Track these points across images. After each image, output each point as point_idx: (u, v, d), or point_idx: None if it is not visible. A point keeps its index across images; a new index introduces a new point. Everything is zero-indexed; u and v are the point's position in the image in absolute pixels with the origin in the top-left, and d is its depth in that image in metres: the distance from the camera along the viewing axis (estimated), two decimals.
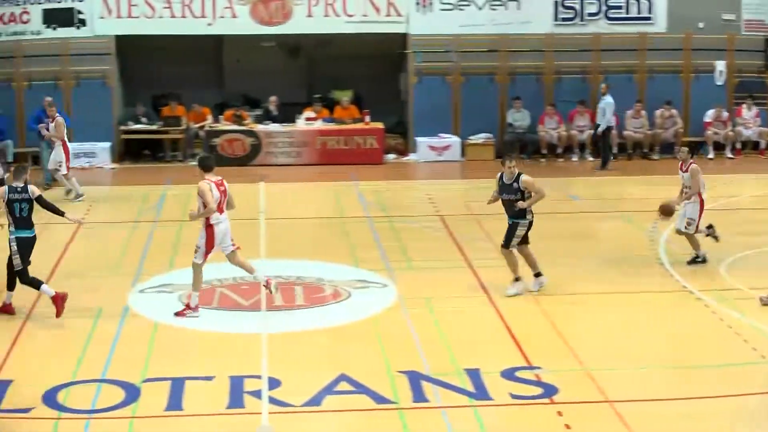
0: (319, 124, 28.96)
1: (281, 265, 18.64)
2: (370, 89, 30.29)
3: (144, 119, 29.35)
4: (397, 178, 26.99)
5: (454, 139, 29.15)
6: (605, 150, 27.95)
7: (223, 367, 14.17)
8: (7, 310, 16.41)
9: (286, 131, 28.67)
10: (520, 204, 16.82)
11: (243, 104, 30.31)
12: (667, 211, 18.67)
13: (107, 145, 28.61)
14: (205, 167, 16.58)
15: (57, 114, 24.71)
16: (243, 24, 28.96)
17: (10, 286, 16.45)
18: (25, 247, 16.17)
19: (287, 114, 29.32)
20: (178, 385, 13.57)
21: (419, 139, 29.22)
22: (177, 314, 16.34)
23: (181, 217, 22.57)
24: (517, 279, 17.17)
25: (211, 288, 17.67)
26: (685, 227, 18.60)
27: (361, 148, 28.55)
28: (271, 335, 15.38)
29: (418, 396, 13.29)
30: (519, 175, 16.94)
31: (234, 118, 28.96)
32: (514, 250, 17.08)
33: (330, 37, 29.65)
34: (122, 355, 14.73)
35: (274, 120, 29.09)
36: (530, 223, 17.03)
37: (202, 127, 29.06)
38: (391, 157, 29.04)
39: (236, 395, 13.32)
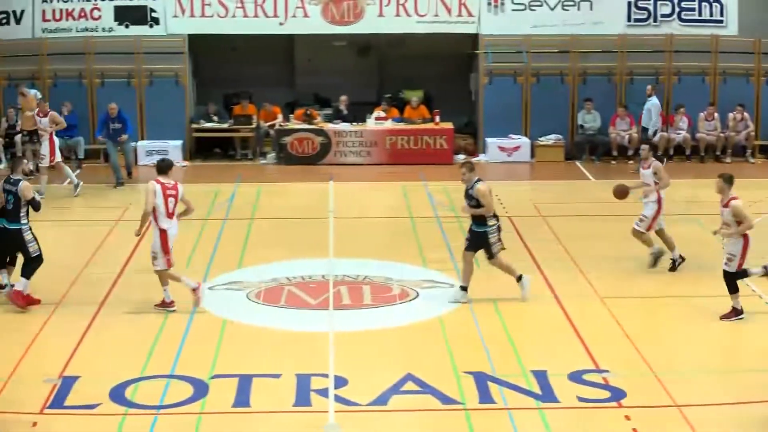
0: (388, 124, 28.96)
1: (349, 265, 18.69)
2: (441, 89, 30.25)
3: (215, 118, 29.53)
4: None
5: (523, 140, 29.04)
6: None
7: (290, 364, 14.24)
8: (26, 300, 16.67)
9: (355, 130, 28.71)
10: (465, 208, 16.74)
11: (313, 103, 30.40)
12: (621, 192, 18.53)
13: (179, 143, 28.80)
14: (158, 169, 16.73)
15: (48, 108, 25.27)
16: (314, 23, 29.03)
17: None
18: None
19: (357, 113, 29.36)
20: (245, 382, 13.65)
21: (489, 139, 29.14)
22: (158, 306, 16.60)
23: (251, 215, 22.72)
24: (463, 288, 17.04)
25: (279, 286, 17.74)
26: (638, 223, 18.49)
27: (430, 148, 28.51)
28: (338, 334, 15.44)
29: (485, 397, 13.27)
30: (475, 182, 16.64)
31: (304, 117, 29.04)
32: (471, 257, 16.94)
33: (401, 36, 29.66)
34: (191, 352, 14.85)
35: (344, 119, 29.15)
36: (498, 228, 16.82)
37: (272, 126, 29.18)
38: (460, 157, 28.93)
39: (303, 393, 13.37)
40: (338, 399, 13.14)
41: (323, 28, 29.11)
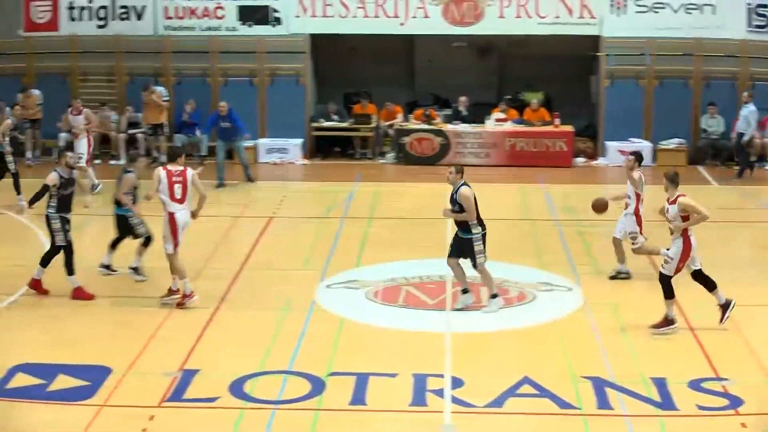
0: (508, 126, 28.87)
1: (468, 265, 18.63)
2: (561, 91, 30.07)
3: (335, 117, 29.71)
4: (585, 182, 26.70)
5: (644, 144, 28.71)
6: (744, 158, 27.17)
7: (406, 364, 14.26)
8: (79, 294, 17.10)
9: (474, 132, 28.67)
10: (446, 213, 16.56)
11: (433, 104, 30.43)
12: (599, 206, 17.85)
13: (299, 141, 29.05)
14: (168, 156, 17.49)
15: (83, 107, 25.54)
16: (435, 24, 29.06)
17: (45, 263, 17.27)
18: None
19: (476, 114, 29.32)
20: (362, 381, 13.71)
21: (609, 143, 28.88)
22: (178, 305, 16.68)
23: (369, 214, 22.80)
24: (465, 291, 16.76)
25: (397, 286, 17.79)
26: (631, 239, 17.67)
27: (549, 151, 28.36)
28: (455, 335, 15.44)
29: (603, 403, 13.15)
30: (460, 186, 16.45)
31: (423, 117, 29.09)
32: (456, 263, 16.66)
33: (521, 38, 29.55)
34: (309, 348, 14.94)
35: (464, 120, 29.13)
36: (483, 236, 16.46)
37: (392, 126, 29.27)
38: (580, 160, 28.78)
39: (419, 393, 13.39)
40: (454, 400, 13.13)
41: (443, 28, 29.13)
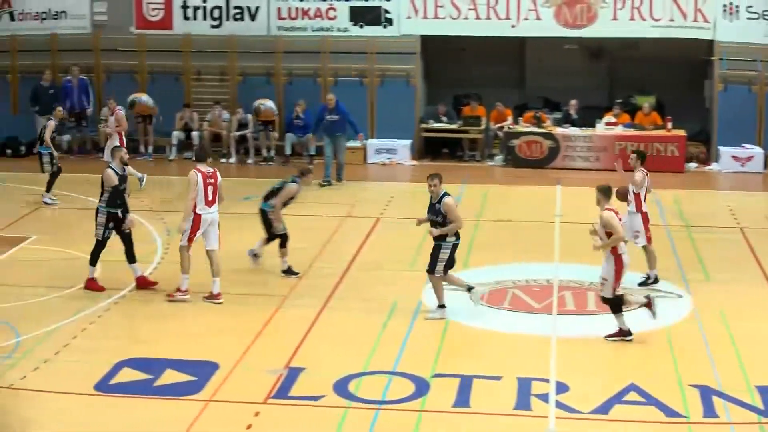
0: (618, 130, 28.60)
1: (576, 270, 18.54)
2: (673, 95, 29.68)
3: (444, 118, 29.70)
4: (697, 188, 26.37)
5: (757, 150, 28.26)
6: None
7: (511, 367, 14.22)
8: (143, 282, 17.64)
9: (585, 135, 28.44)
10: (433, 232, 16.11)
11: (542, 106, 30.28)
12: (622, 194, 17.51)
13: (408, 142, 29.09)
14: (197, 158, 17.42)
15: (117, 108, 25.29)
16: (546, 26, 28.88)
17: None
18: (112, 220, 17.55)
19: (587, 117, 29.09)
20: (466, 383, 13.70)
21: (722, 148, 28.45)
22: (169, 297, 16.96)
23: (477, 216, 22.73)
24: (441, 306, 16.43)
25: (504, 289, 17.73)
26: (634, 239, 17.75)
27: (661, 155, 27.97)
28: (560, 339, 15.35)
29: (709, 411, 12.99)
30: (443, 196, 16.13)
31: (533, 120, 28.95)
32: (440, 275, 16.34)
33: (634, 41, 29.27)
34: (414, 349, 14.97)
35: (574, 123, 28.92)
36: (454, 246, 16.21)
37: (501, 128, 29.18)
38: (692, 165, 28.40)
39: (523, 397, 13.34)
40: (559, 405, 13.06)
41: (555, 31, 28.94)
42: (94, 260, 17.55)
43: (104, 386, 13.73)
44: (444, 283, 16.35)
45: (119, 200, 17.43)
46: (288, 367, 14.29)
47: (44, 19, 30.01)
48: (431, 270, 16.29)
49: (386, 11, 29.13)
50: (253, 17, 29.41)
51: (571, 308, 16.89)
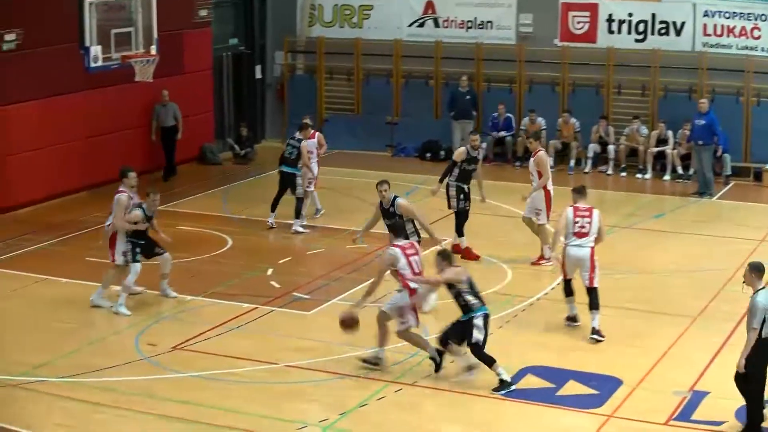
0: None
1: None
2: None
3: None
4: None
5: None
6: None
7: None
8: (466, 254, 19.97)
9: None
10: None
11: None
12: (348, 323, 14.77)
13: None
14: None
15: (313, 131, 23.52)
16: None
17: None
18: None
19: None
20: None
21: None
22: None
23: None
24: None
25: None
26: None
27: None
28: None
29: None
30: (395, 198, 17.02)
31: None
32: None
33: None
34: None
35: None
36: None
37: None
38: None
39: None
40: None
41: None
42: (460, 231, 20.18)
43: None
44: None
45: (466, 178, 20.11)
46: (692, 389, 14.15)
47: (470, 27, 30.92)
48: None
49: None
50: (678, 32, 29.11)
51: None
